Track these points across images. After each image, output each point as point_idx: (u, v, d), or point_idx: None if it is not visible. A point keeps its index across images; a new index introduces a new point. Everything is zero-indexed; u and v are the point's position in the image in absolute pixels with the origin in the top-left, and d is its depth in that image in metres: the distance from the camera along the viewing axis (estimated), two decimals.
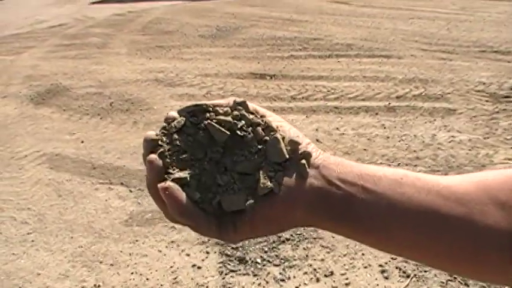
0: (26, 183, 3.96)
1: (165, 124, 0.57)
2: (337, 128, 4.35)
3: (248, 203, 0.53)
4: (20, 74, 7.21)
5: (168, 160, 0.55)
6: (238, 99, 0.59)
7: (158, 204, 0.55)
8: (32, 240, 3.24)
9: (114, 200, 3.62)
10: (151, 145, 0.56)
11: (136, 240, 3.14)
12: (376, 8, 9.29)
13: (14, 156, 4.47)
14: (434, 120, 4.32)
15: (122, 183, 3.83)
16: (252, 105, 0.60)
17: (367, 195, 0.54)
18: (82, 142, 4.61)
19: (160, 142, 0.56)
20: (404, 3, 9.51)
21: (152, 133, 0.57)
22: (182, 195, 0.52)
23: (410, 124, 4.29)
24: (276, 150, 0.56)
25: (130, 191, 3.70)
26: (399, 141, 4.02)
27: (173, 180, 0.53)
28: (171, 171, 0.54)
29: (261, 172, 0.54)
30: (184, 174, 0.54)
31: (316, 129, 4.36)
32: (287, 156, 0.56)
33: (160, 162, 0.54)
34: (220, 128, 0.55)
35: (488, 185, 0.54)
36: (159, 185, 0.52)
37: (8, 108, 5.77)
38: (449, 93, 4.85)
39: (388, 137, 4.11)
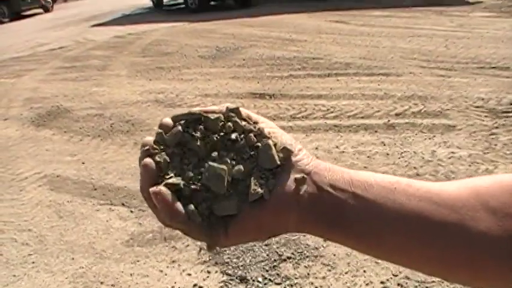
0: (27, 205, 3.97)
1: (160, 131, 0.58)
2: (337, 146, 4.36)
3: (239, 208, 0.54)
4: (21, 97, 7.26)
5: (162, 165, 0.55)
6: (231, 106, 0.59)
7: (151, 207, 0.56)
8: (33, 262, 3.23)
9: (115, 221, 3.62)
10: (147, 150, 0.57)
11: (138, 261, 3.14)
12: (374, 27, 9.34)
13: (15, 178, 4.48)
14: (434, 136, 4.33)
15: (122, 204, 3.83)
16: (245, 111, 0.60)
17: (358, 201, 0.55)
18: (83, 163, 4.62)
19: (156, 148, 0.57)
20: (403, 22, 9.57)
21: (150, 139, 0.58)
22: (173, 199, 0.53)
23: (409, 141, 4.30)
24: (267, 156, 0.56)
25: (131, 212, 3.70)
26: (399, 158, 4.02)
27: (166, 185, 0.53)
28: (165, 176, 0.55)
29: (252, 178, 0.55)
30: (177, 180, 0.54)
31: (316, 148, 4.37)
32: (278, 162, 0.56)
33: (154, 166, 0.55)
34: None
35: (480, 191, 0.55)
36: (151, 189, 0.53)
37: (10, 131, 5.80)
38: (448, 109, 4.86)
39: (387, 154, 4.11)
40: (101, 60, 9.29)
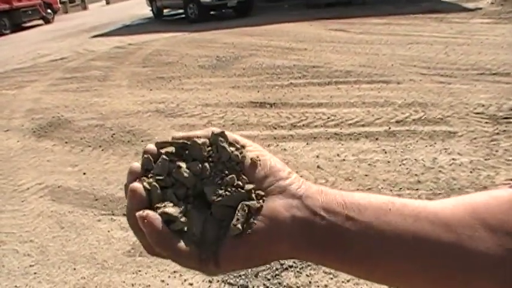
0: (29, 216, 3.97)
1: (147, 156, 0.57)
2: (338, 155, 4.36)
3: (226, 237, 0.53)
4: (22, 108, 7.28)
5: (152, 193, 0.54)
6: (217, 130, 0.58)
7: (137, 235, 0.54)
8: (35, 273, 3.23)
9: (116, 231, 3.62)
10: (135, 176, 0.56)
11: (139, 271, 3.13)
12: (374, 35, 9.37)
13: (16, 188, 4.48)
14: (435, 143, 4.33)
15: (124, 214, 3.82)
16: (231, 136, 0.59)
17: (352, 224, 0.53)
18: (84, 174, 4.62)
19: (143, 175, 0.56)
20: (402, 29, 9.59)
21: (137, 165, 0.57)
22: (161, 223, 0.51)
23: (410, 148, 4.30)
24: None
25: None
26: (400, 166, 4.02)
27: (161, 214, 0.52)
28: (153, 204, 0.53)
29: (237, 211, 0.53)
30: (174, 209, 0.53)
31: (317, 156, 4.37)
32: (263, 193, 0.55)
33: (143, 192, 0.53)
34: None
35: (476, 208, 0.53)
36: (138, 214, 0.51)
37: (11, 142, 5.81)
38: (449, 116, 4.86)
39: (389, 162, 4.11)
40: (102, 71, 9.32)
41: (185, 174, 0.55)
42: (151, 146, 0.58)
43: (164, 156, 0.56)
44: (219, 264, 0.53)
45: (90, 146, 5.35)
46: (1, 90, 8.87)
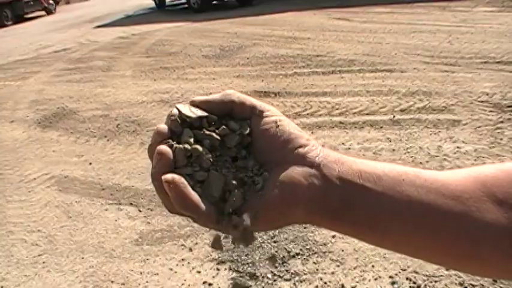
0: (36, 206, 3.99)
1: (173, 119, 0.57)
2: (343, 143, 4.37)
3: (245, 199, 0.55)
4: (26, 99, 7.30)
5: (178, 156, 0.55)
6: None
7: (160, 195, 0.55)
8: (43, 262, 3.26)
9: (123, 220, 3.64)
10: (162, 138, 0.56)
11: (147, 259, 3.16)
12: (377, 24, 9.34)
13: (23, 179, 4.51)
14: (439, 131, 4.33)
15: (131, 204, 3.85)
16: (248, 100, 0.60)
17: (367, 194, 0.54)
18: (90, 164, 4.64)
19: (171, 138, 0.56)
20: (406, 18, 9.56)
21: (164, 126, 0.57)
22: (186, 188, 0.52)
23: (415, 136, 4.31)
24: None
25: (140, 211, 3.72)
26: (405, 154, 4.03)
27: (185, 176, 0.53)
28: (179, 166, 0.54)
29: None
30: (192, 170, 0.54)
31: (322, 145, 4.37)
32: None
33: (171, 155, 0.54)
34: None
35: (486, 181, 0.55)
36: (164, 177, 0.52)
37: (16, 133, 5.83)
38: (453, 104, 4.86)
39: (393, 150, 4.12)
40: (105, 61, 9.33)
41: (200, 149, 0.56)
42: (176, 111, 0.58)
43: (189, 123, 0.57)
44: (237, 226, 0.54)
45: (95, 136, 5.37)
46: (4, 82, 8.89)
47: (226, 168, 0.56)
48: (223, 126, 0.58)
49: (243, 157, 0.58)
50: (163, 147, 0.54)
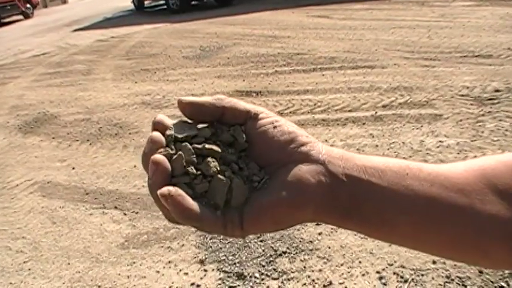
0: (19, 212, 3.95)
1: (170, 132, 0.57)
2: (326, 140, 4.38)
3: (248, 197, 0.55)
4: (6, 105, 7.22)
5: (175, 166, 0.53)
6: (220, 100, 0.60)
7: (160, 207, 0.54)
8: (29, 269, 3.23)
9: (109, 224, 3.62)
10: (157, 146, 0.55)
11: (134, 263, 3.14)
12: (356, 20, 9.38)
13: (5, 186, 4.46)
14: (421, 126, 4.36)
15: (115, 207, 3.83)
16: (241, 105, 0.60)
17: (373, 190, 0.54)
18: (73, 168, 4.61)
19: (166, 146, 0.55)
20: (384, 14, 9.61)
21: (158, 134, 0.56)
22: (185, 200, 0.51)
23: (398, 132, 4.33)
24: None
25: (125, 214, 3.70)
26: (388, 149, 4.05)
27: (183, 185, 0.53)
28: (176, 175, 0.53)
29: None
30: (190, 179, 0.53)
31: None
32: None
33: (167, 164, 0.53)
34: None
35: (487, 173, 0.55)
36: (159, 192, 0.50)
37: None
38: (434, 99, 4.90)
39: (377, 146, 4.14)
40: (85, 65, 9.26)
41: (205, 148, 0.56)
42: (162, 117, 0.58)
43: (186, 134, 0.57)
44: (244, 228, 0.54)
45: (77, 141, 5.33)
46: None
47: (228, 175, 0.55)
48: (219, 136, 0.58)
49: (244, 163, 0.57)
50: (159, 156, 0.53)
